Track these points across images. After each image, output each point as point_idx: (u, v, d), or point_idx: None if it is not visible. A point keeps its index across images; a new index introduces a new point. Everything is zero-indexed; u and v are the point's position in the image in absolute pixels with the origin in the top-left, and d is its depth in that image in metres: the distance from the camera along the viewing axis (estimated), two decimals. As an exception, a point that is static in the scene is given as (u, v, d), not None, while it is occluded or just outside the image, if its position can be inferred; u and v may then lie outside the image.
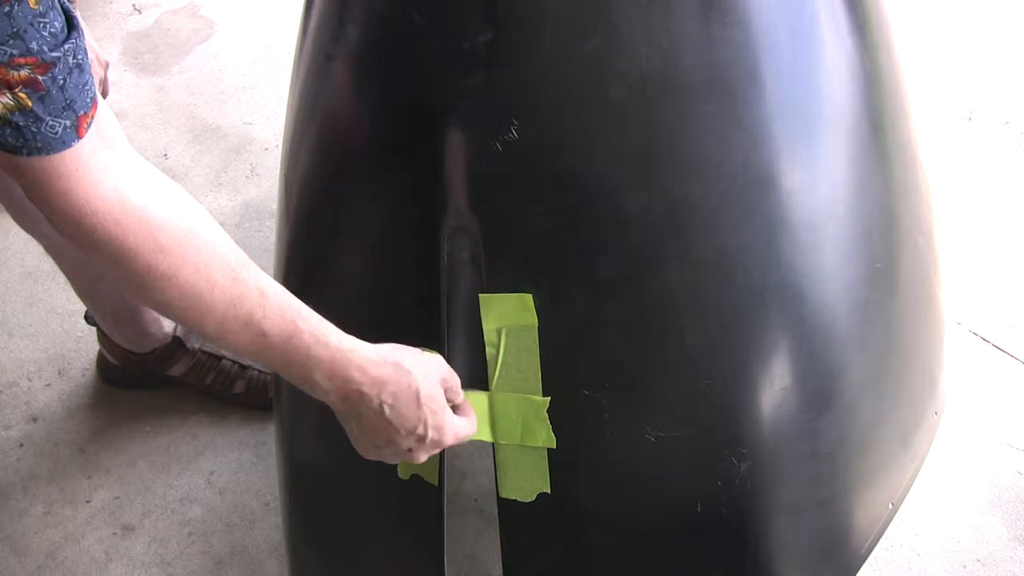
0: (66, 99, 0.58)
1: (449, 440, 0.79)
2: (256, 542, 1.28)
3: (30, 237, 1.26)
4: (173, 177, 0.84)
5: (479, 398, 0.83)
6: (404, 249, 0.84)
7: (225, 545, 1.28)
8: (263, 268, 0.71)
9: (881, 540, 0.97)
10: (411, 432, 0.77)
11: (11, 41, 0.54)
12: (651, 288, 0.79)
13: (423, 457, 0.80)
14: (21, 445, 1.43)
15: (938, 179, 1.31)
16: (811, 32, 0.82)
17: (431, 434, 0.78)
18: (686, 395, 0.82)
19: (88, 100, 0.61)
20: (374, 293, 0.88)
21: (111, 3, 2.47)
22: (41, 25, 0.56)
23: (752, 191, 0.79)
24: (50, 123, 0.58)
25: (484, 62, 0.75)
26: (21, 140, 0.58)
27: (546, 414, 0.81)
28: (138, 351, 1.41)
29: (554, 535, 0.86)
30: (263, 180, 1.89)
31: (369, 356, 0.74)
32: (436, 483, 0.86)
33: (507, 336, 0.80)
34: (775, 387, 0.83)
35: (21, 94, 0.56)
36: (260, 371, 1.44)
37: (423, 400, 0.76)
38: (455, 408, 0.80)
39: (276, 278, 0.81)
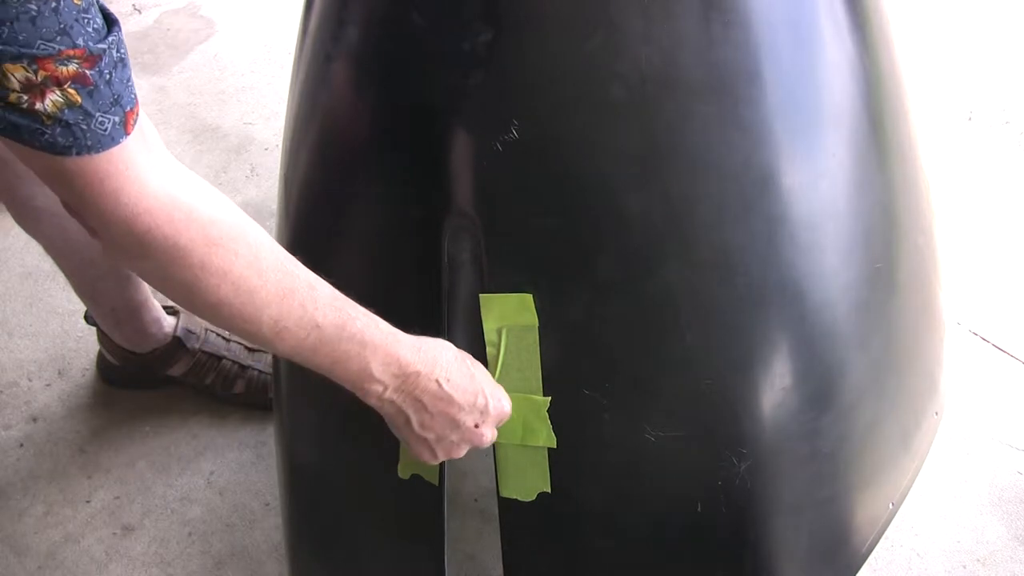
0: (113, 94, 0.58)
1: (507, 407, 0.79)
2: (256, 542, 1.28)
3: (30, 237, 1.26)
4: (173, 177, 0.84)
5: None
6: (404, 249, 0.84)
7: (225, 545, 1.28)
8: (263, 268, 0.71)
9: (881, 540, 0.97)
10: (473, 405, 0.77)
11: (58, 38, 0.55)
12: (651, 288, 0.79)
13: (489, 435, 0.79)
14: (21, 445, 1.43)
15: (938, 179, 1.31)
16: (811, 32, 0.82)
17: (492, 402, 0.77)
18: (686, 395, 0.82)
19: (132, 96, 0.61)
20: (374, 293, 0.87)
21: (111, 3, 2.45)
22: (85, 20, 0.56)
23: (752, 191, 0.79)
24: (99, 119, 0.58)
25: (484, 62, 0.75)
26: (71, 139, 0.57)
27: (546, 414, 0.81)
28: (138, 351, 1.41)
29: (554, 535, 0.86)
30: (263, 180, 1.89)
31: (411, 338, 0.75)
32: (436, 483, 0.86)
33: (507, 336, 0.80)
34: (775, 387, 0.83)
35: (70, 90, 0.56)
36: (260, 371, 1.44)
37: (471, 368, 0.76)
38: None
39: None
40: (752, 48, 0.77)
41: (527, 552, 0.87)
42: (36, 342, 1.57)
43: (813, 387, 0.86)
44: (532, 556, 0.88)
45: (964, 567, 1.21)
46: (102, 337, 1.42)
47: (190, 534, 1.30)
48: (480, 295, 0.80)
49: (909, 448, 1.00)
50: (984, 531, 1.25)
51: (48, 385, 1.51)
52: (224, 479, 1.36)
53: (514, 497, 0.84)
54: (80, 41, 0.55)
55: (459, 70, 0.76)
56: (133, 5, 2.47)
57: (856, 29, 0.86)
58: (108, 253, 0.66)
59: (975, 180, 1.81)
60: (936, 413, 1.07)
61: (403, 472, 0.88)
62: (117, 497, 1.35)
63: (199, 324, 1.45)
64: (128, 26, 2.38)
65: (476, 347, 0.82)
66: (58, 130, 0.57)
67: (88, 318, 1.41)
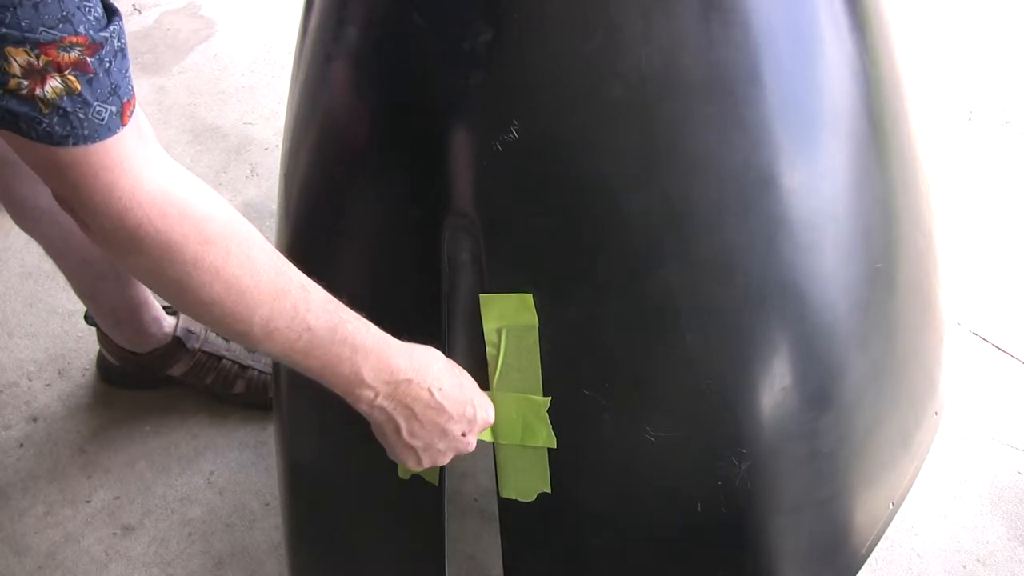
0: (112, 84, 0.58)
1: (492, 416, 0.80)
2: (256, 542, 1.28)
3: (30, 237, 1.26)
4: (173, 177, 0.84)
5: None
6: (404, 249, 0.84)
7: (225, 545, 1.28)
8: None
9: (881, 540, 0.97)
10: (462, 415, 0.77)
11: (60, 25, 0.55)
12: (651, 288, 0.79)
13: (474, 443, 0.79)
14: (21, 445, 1.43)
15: (938, 179, 1.31)
16: (811, 32, 0.82)
17: (480, 412, 0.78)
18: (686, 395, 0.82)
19: (130, 88, 0.61)
20: (374, 293, 0.88)
21: (111, 3, 2.47)
22: (86, 9, 0.56)
23: (752, 191, 0.79)
24: (97, 108, 0.58)
25: (484, 62, 0.75)
26: (68, 128, 0.57)
27: (546, 414, 0.81)
28: (138, 351, 1.41)
29: (554, 535, 0.86)
30: (263, 180, 1.89)
31: (402, 345, 0.74)
32: (436, 483, 0.86)
33: (507, 336, 0.80)
34: (775, 387, 0.83)
35: (70, 76, 0.56)
36: (260, 371, 1.44)
37: (460, 377, 0.76)
38: None
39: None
40: (752, 48, 0.77)
41: (527, 552, 0.87)
42: (36, 342, 1.57)
43: (813, 387, 0.86)
44: (532, 556, 0.88)
45: (964, 567, 1.21)
46: (102, 337, 1.42)
47: (190, 534, 1.30)
48: (480, 295, 0.80)
49: (909, 448, 1.00)
50: (984, 531, 1.25)
51: (48, 385, 1.51)
52: (224, 479, 1.36)
53: (514, 497, 0.84)
54: (82, 29, 0.56)
55: (459, 70, 0.76)
56: (133, 5, 2.47)
57: (856, 29, 0.86)
58: (100, 248, 0.65)
59: (975, 180, 1.81)
60: (936, 413, 1.07)
61: (403, 472, 0.88)
62: (117, 497, 1.35)
63: (199, 324, 1.45)
64: (128, 26, 2.37)
65: (476, 347, 0.82)
66: (55, 119, 0.56)
67: (88, 318, 1.40)
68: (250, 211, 1.81)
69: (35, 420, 1.46)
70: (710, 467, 0.83)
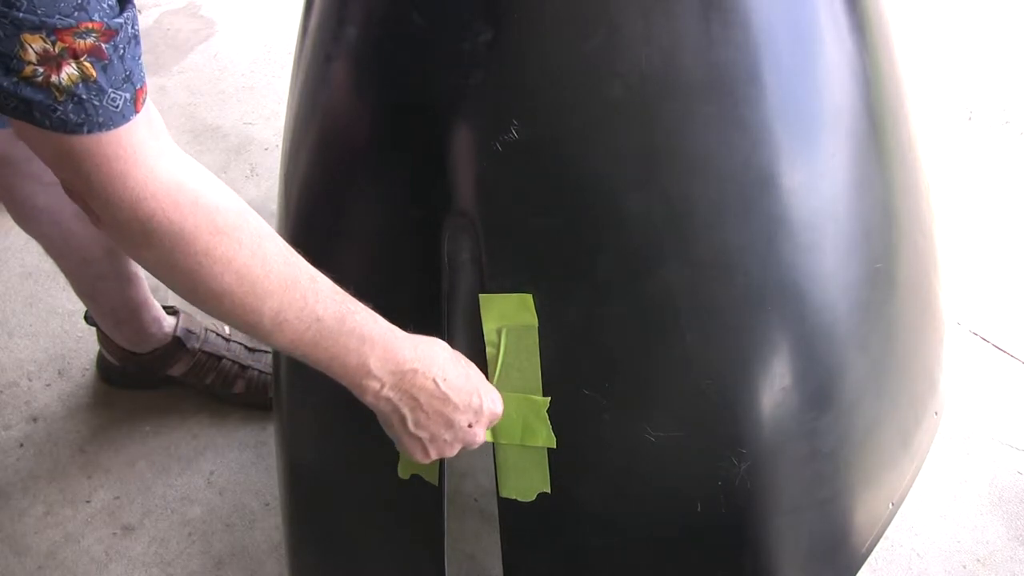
0: (126, 70, 0.58)
1: (500, 407, 0.79)
2: (256, 542, 1.28)
3: (30, 237, 1.26)
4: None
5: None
6: (404, 249, 0.84)
7: (225, 545, 1.28)
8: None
9: (881, 540, 0.97)
10: (468, 405, 0.76)
11: (76, 12, 0.55)
12: (651, 288, 0.79)
13: (482, 435, 0.79)
14: (21, 445, 1.43)
15: (938, 179, 1.31)
16: (811, 32, 0.82)
17: (486, 402, 0.77)
18: (686, 395, 0.82)
19: (142, 74, 0.61)
20: (374, 293, 0.87)
21: (111, 3, 2.47)
22: None
23: (752, 191, 0.79)
24: (112, 95, 0.58)
25: (484, 62, 0.75)
26: (83, 115, 0.57)
27: (546, 414, 0.81)
28: (138, 351, 1.41)
29: (554, 535, 0.86)
30: (263, 180, 1.89)
31: (408, 336, 0.74)
32: (436, 483, 0.86)
33: (507, 336, 0.80)
34: (775, 387, 0.83)
35: (86, 63, 0.56)
36: (260, 371, 1.44)
37: (466, 367, 0.76)
38: None
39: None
40: (752, 48, 0.77)
41: (527, 552, 0.87)
42: (36, 342, 1.58)
43: (813, 387, 0.86)
44: (532, 556, 0.88)
45: (964, 567, 1.21)
46: (102, 337, 1.42)
47: (190, 534, 1.30)
48: (480, 295, 0.80)
49: (909, 448, 1.00)
50: (984, 531, 1.25)
51: (48, 385, 1.51)
52: (224, 479, 1.36)
53: (514, 497, 0.84)
54: (96, 16, 0.56)
55: (459, 70, 0.76)
56: (133, 5, 2.47)
57: (856, 29, 0.86)
58: (111, 239, 0.65)
59: (975, 180, 1.81)
60: (936, 413, 1.07)
61: (403, 472, 0.88)
62: (117, 497, 1.35)
63: (199, 324, 1.45)
64: (128, 26, 2.38)
65: (476, 347, 0.82)
66: (70, 106, 0.56)
67: (88, 318, 1.41)
68: (250, 211, 1.80)
69: (35, 420, 1.46)
70: (710, 467, 0.83)
